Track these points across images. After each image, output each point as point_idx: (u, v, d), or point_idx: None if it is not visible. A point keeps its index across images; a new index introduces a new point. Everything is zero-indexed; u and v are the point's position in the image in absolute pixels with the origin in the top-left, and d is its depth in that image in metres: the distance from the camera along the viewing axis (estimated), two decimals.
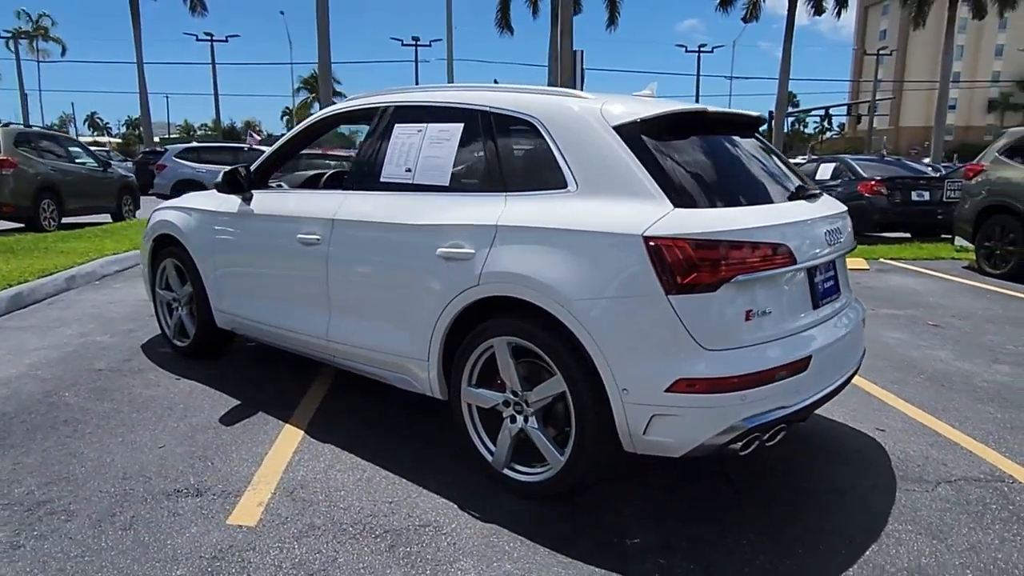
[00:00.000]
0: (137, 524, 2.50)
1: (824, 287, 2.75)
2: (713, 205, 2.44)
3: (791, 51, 30.74)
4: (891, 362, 4.54)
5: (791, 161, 4.65)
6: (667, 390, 2.30)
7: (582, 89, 12.95)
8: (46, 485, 2.78)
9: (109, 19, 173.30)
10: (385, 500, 2.70)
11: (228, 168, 3.74)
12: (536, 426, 2.65)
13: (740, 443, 2.35)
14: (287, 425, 3.38)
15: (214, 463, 2.99)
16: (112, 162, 14.30)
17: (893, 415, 3.64)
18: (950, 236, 10.63)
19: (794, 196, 2.78)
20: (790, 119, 58.31)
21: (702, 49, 43.23)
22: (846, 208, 3.08)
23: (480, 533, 2.49)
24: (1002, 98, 74.02)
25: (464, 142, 2.96)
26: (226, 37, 40.33)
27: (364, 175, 3.29)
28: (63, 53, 51.98)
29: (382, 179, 3.18)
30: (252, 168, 3.84)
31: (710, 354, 2.30)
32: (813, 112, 56.14)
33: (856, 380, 3.34)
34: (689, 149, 2.66)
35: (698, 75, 43.54)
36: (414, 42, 40.61)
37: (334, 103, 4.41)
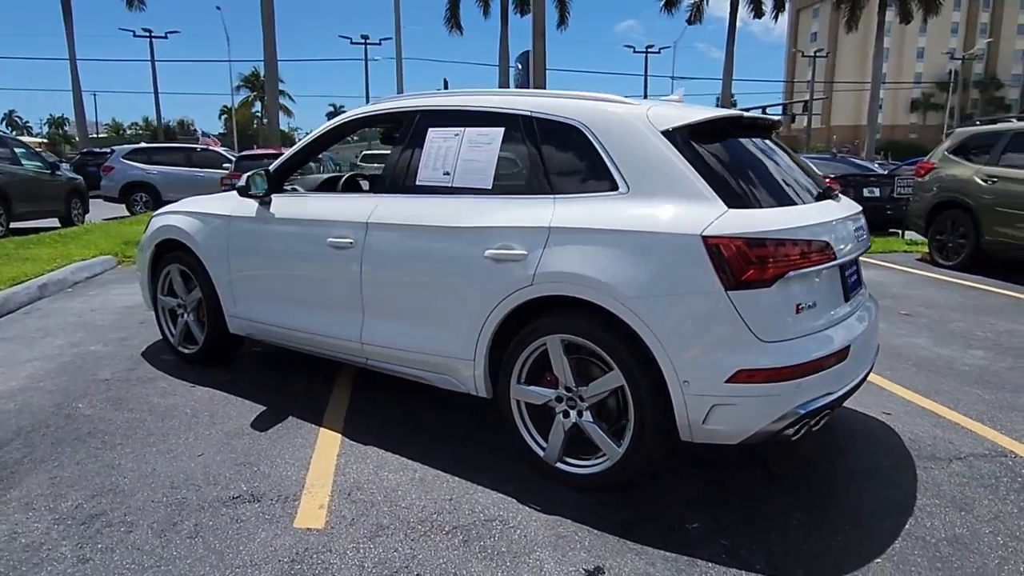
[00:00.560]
0: (203, 532, 2.49)
1: (851, 281, 2.95)
2: (760, 205, 2.59)
3: (734, 52, 31.80)
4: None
5: None
6: (727, 381, 2.44)
7: (534, 88, 13.11)
8: (93, 498, 2.72)
9: (31, 13, 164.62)
10: (444, 498, 2.76)
11: (255, 171, 3.70)
12: (591, 420, 2.75)
13: (792, 429, 2.51)
14: (322, 428, 3.38)
15: (260, 468, 2.98)
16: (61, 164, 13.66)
17: (893, 399, 3.89)
18: (898, 231, 11.26)
19: (821, 196, 2.97)
20: None
21: (649, 50, 44.09)
22: (861, 208, 3.28)
23: (546, 524, 2.58)
24: (923, 98, 78.15)
25: (505, 146, 3.03)
26: (165, 33, 38.86)
27: (397, 178, 3.32)
28: None
29: (418, 182, 3.22)
30: (270, 171, 3.80)
31: (767, 346, 2.44)
32: (751, 111, 57.84)
33: None
34: (730, 152, 2.80)
35: (646, 76, 44.44)
36: (363, 40, 40.07)
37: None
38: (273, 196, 3.79)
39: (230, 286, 3.97)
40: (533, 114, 2.98)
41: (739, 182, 2.64)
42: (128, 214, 15.15)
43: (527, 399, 2.91)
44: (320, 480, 2.88)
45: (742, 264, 2.41)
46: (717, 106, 32.49)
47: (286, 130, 54.55)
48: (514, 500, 2.74)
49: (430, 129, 3.26)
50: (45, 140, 70.73)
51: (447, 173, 3.14)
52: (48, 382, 4.05)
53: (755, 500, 2.78)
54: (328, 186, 4.29)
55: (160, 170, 15.90)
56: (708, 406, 2.48)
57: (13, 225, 11.00)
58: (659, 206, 2.59)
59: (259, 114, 71.90)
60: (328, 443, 3.23)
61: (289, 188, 3.99)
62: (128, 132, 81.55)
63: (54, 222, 12.39)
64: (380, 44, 40.29)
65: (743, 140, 2.95)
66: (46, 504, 2.68)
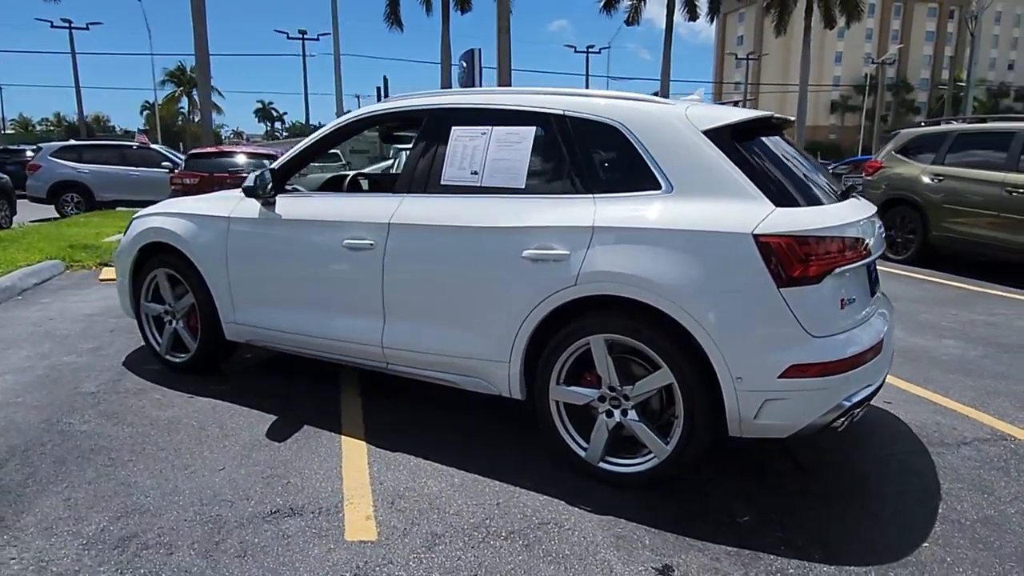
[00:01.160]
0: (251, 550, 2.37)
1: (873, 278, 3.06)
2: (801, 204, 2.65)
3: (671, 54, 32.42)
4: None
5: None
6: (780, 376, 2.49)
7: (480, 87, 13.12)
8: (119, 519, 2.55)
9: None
10: (491, 503, 2.71)
11: (263, 170, 3.53)
12: (636, 418, 2.76)
13: (840, 420, 2.58)
14: (343, 436, 3.27)
15: (291, 481, 2.85)
16: None
17: (889, 389, 4.05)
18: None
19: (843, 195, 3.06)
20: None
21: (590, 50, 44.70)
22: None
23: (601, 525, 2.57)
24: (842, 100, 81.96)
25: (538, 145, 3.00)
26: (87, 24, 36.76)
27: (420, 178, 3.24)
28: None
29: (443, 182, 3.15)
30: (274, 170, 3.64)
31: (817, 340, 2.51)
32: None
33: None
34: (766, 152, 2.86)
35: (587, 76, 45.04)
36: (301, 36, 39.01)
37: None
38: (277, 197, 3.64)
39: (228, 291, 3.79)
40: (567, 113, 2.96)
41: (781, 181, 2.70)
42: (58, 215, 14.28)
43: (568, 400, 2.90)
44: (358, 490, 2.79)
45: (793, 261, 2.47)
46: None
47: (213, 127, 52.59)
48: (562, 502, 2.72)
49: (454, 128, 3.20)
50: None
51: (475, 172, 3.09)
52: (27, 397, 3.76)
53: (793, 491, 2.86)
54: (332, 186, 4.15)
55: (92, 169, 15.01)
56: (761, 401, 2.52)
57: None
58: (706, 205, 2.62)
59: (184, 110, 69.10)
60: (354, 451, 3.13)
61: (291, 188, 3.84)
62: (38, 129, 76.83)
63: None
64: (318, 40, 39.46)
65: (770, 140, 3.01)
66: (68, 528, 2.49)
